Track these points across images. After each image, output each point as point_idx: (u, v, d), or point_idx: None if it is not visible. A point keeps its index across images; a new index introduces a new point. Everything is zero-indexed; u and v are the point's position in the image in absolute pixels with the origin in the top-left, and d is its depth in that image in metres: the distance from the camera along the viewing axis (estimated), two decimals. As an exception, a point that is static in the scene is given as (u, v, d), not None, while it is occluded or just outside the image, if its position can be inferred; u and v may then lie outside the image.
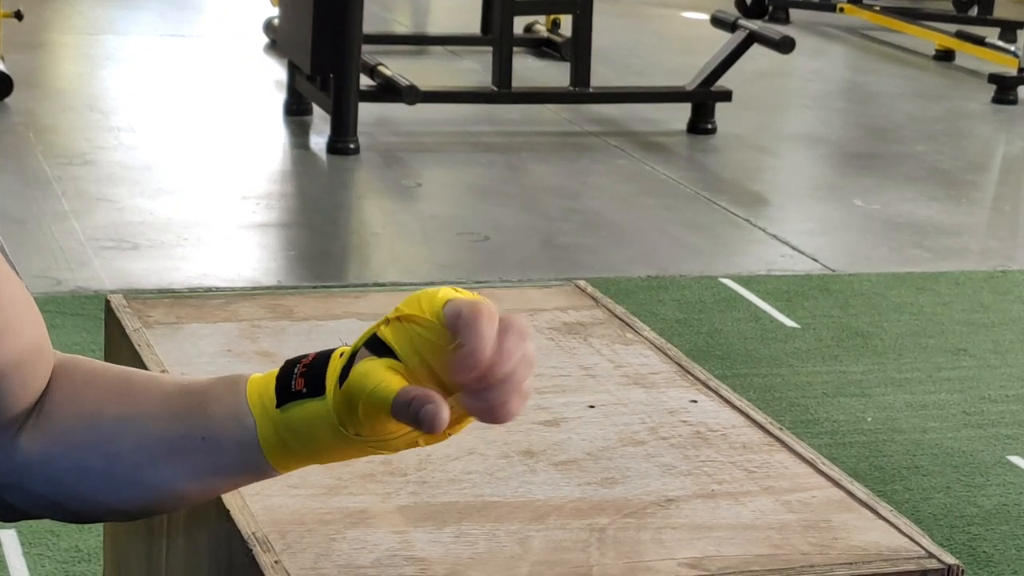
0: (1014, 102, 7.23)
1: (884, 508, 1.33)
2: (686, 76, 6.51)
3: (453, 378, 1.01)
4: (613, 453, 1.39)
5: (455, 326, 1.01)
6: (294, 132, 6.15)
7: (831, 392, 3.91)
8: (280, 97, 6.36)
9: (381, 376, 1.02)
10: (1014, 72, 7.32)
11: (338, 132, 5.78)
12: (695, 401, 1.52)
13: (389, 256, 4.85)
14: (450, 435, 1.05)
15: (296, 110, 6.27)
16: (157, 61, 7.08)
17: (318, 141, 5.97)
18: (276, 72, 6.82)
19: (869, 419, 3.77)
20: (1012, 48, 7.54)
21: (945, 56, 8.11)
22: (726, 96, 6.35)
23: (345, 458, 1.09)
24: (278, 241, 4.91)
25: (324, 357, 1.06)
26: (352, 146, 5.79)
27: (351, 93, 5.77)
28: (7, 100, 6.06)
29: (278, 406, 1.06)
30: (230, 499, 1.26)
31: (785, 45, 6.22)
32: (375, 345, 1.04)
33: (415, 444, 1.06)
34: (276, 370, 1.09)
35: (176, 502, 1.13)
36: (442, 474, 1.33)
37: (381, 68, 6.01)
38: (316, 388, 1.05)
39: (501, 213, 5.25)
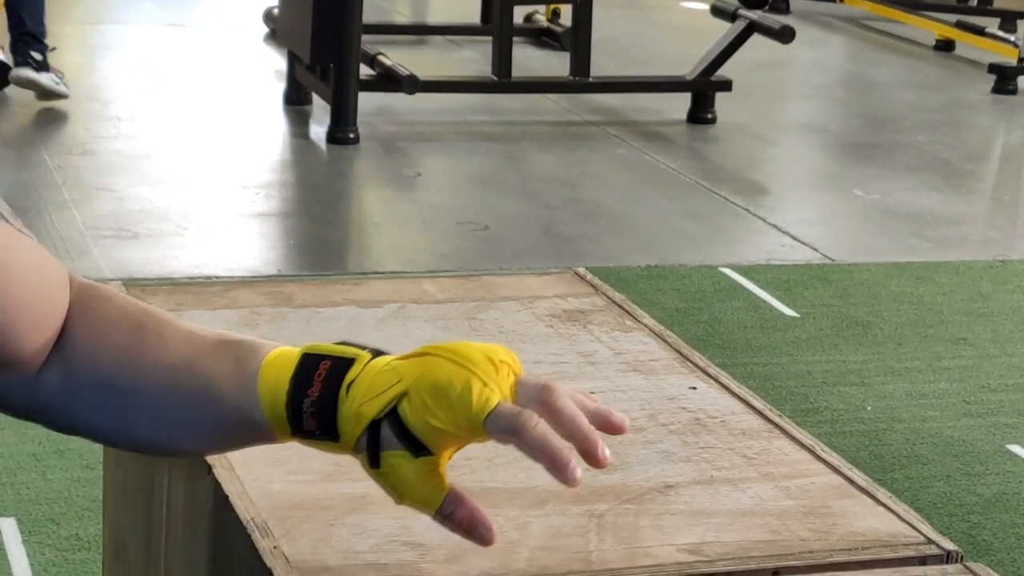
0: (1014, 92, 7.23)
1: (883, 494, 1.33)
2: (686, 66, 6.51)
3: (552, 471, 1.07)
4: (612, 439, 1.39)
5: (504, 440, 1.07)
6: (294, 122, 6.15)
7: (831, 381, 3.91)
8: (280, 87, 6.36)
9: (426, 488, 1.09)
10: (1014, 62, 7.32)
11: (338, 122, 5.78)
12: (694, 388, 1.52)
13: (389, 245, 4.85)
14: None
15: (296, 100, 6.26)
16: (157, 50, 7.08)
17: (318, 131, 5.97)
18: (276, 62, 6.82)
19: (869, 408, 3.77)
20: (1012, 38, 7.54)
21: (945, 46, 8.10)
22: (726, 86, 6.35)
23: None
24: (278, 230, 4.92)
25: (330, 395, 1.08)
26: (352, 136, 5.79)
27: (351, 83, 5.77)
28: (6, 90, 6.05)
29: (292, 435, 1.12)
30: (229, 485, 1.26)
31: (785, 35, 6.22)
32: (398, 425, 1.07)
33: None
34: (285, 377, 1.10)
35: (188, 454, 1.22)
36: (441, 460, 1.33)
37: (381, 58, 6.01)
38: (329, 433, 1.09)
39: (501, 202, 5.24)
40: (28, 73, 5.77)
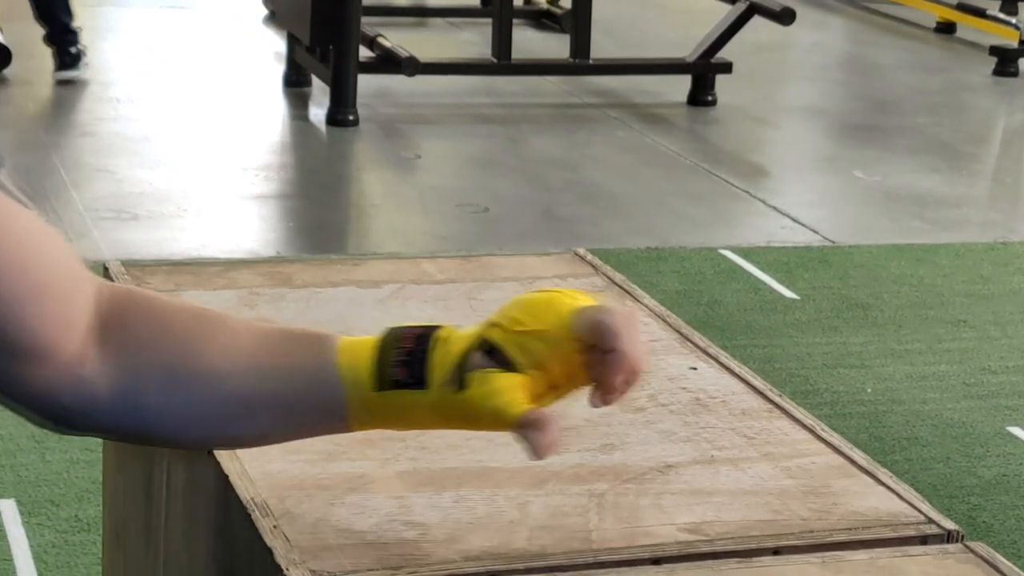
0: (1015, 74, 7.21)
1: (884, 474, 1.33)
2: (686, 48, 6.50)
3: (606, 379, 1.09)
4: (612, 420, 1.39)
5: (594, 336, 1.08)
6: (293, 104, 6.14)
7: (831, 363, 3.91)
8: (279, 69, 6.35)
9: (508, 396, 1.09)
10: (1015, 44, 7.30)
11: (337, 104, 5.77)
12: (695, 368, 1.52)
13: (388, 227, 4.84)
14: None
15: (295, 82, 6.25)
16: (156, 32, 7.06)
17: (317, 113, 5.96)
18: (275, 44, 6.80)
19: (869, 390, 3.77)
20: (1013, 20, 7.52)
21: (946, 28, 8.09)
22: (726, 68, 6.34)
23: (429, 428, 1.17)
24: (277, 212, 4.91)
25: (422, 345, 1.11)
26: (351, 118, 5.78)
27: (350, 65, 5.76)
28: (6, 71, 6.04)
29: (376, 390, 1.11)
30: (229, 465, 1.26)
31: (786, 17, 6.20)
32: (487, 349, 1.10)
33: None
34: (368, 345, 1.12)
35: (244, 446, 1.20)
36: (441, 440, 1.33)
37: (380, 40, 5.99)
38: (418, 381, 1.10)
39: (501, 185, 5.24)
40: (68, 74, 6.03)
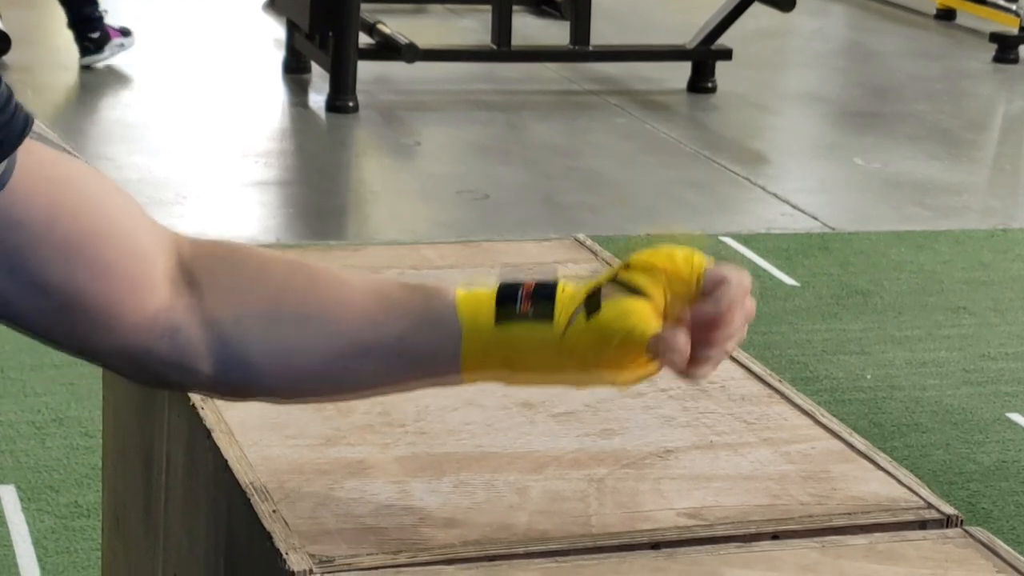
0: (1015, 61, 7.20)
1: (883, 459, 1.33)
2: (686, 34, 6.49)
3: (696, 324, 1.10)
4: (612, 404, 1.39)
5: (714, 287, 1.11)
6: (293, 90, 6.13)
7: (831, 350, 3.91)
8: (279, 55, 6.34)
9: (642, 315, 1.09)
10: (1015, 31, 7.29)
11: (337, 90, 5.77)
12: (694, 353, 1.51)
13: (388, 214, 4.84)
14: (642, 380, 1.13)
15: (295, 68, 6.25)
16: (156, 18, 7.05)
17: (317, 99, 5.95)
18: (275, 30, 6.80)
19: (868, 377, 3.77)
20: (1013, 7, 7.51)
21: (946, 15, 8.08)
22: (726, 55, 6.33)
23: (536, 381, 1.15)
24: (277, 199, 4.91)
25: (550, 286, 1.11)
26: (351, 104, 5.77)
27: (350, 51, 5.75)
28: (5, 58, 6.04)
29: (496, 321, 1.09)
30: (228, 450, 1.26)
31: (786, 3, 6.20)
32: (618, 283, 1.10)
33: (617, 384, 1.13)
34: (487, 289, 1.11)
35: (345, 396, 1.18)
36: (440, 425, 1.33)
37: (380, 26, 5.99)
38: (544, 313, 1.09)
39: (501, 171, 5.23)
40: (90, 60, 6.09)
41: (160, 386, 1.19)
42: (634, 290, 1.10)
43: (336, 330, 1.11)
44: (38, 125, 1.10)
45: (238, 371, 1.12)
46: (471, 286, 1.12)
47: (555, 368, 1.11)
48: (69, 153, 1.11)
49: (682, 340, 1.09)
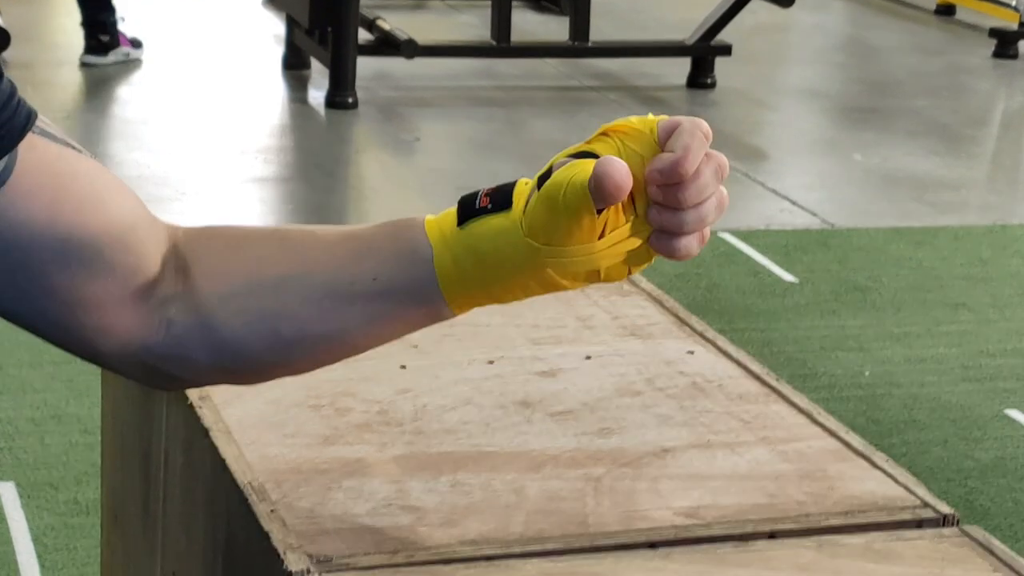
0: (1015, 57, 7.21)
1: (880, 458, 1.33)
2: (686, 30, 6.49)
3: (651, 181, 1.02)
4: (609, 403, 1.39)
5: (667, 135, 1.03)
6: (292, 86, 6.13)
7: (829, 346, 3.91)
8: (278, 51, 6.34)
9: (585, 167, 1.02)
10: (1015, 27, 7.30)
11: (336, 86, 5.77)
12: (692, 352, 1.52)
13: (388, 210, 4.84)
14: (632, 273, 1.07)
15: (294, 64, 6.25)
16: (155, 15, 7.06)
17: (316, 95, 5.96)
18: (274, 26, 6.80)
19: (867, 373, 3.77)
20: (1013, 3, 7.51)
21: (946, 10, 8.08)
22: (726, 50, 6.33)
23: (521, 291, 1.07)
24: (276, 195, 4.91)
25: (510, 183, 1.07)
26: (350, 100, 5.77)
27: (349, 47, 5.75)
28: (4, 54, 6.04)
29: (459, 224, 1.06)
30: (226, 448, 1.26)
31: (785, -1, 6.20)
32: (575, 157, 1.04)
33: (598, 265, 1.05)
34: (451, 210, 1.08)
35: (346, 351, 1.12)
36: (438, 424, 1.33)
37: (379, 22, 5.99)
38: (502, 203, 1.05)
39: (500, 167, 5.24)
40: (90, 59, 6.20)
41: (165, 384, 1.17)
42: (587, 156, 1.04)
43: (312, 284, 1.09)
44: (42, 120, 1.10)
45: (231, 352, 1.11)
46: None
47: (529, 263, 1.04)
48: (73, 148, 1.11)
49: (617, 163, 1.00)
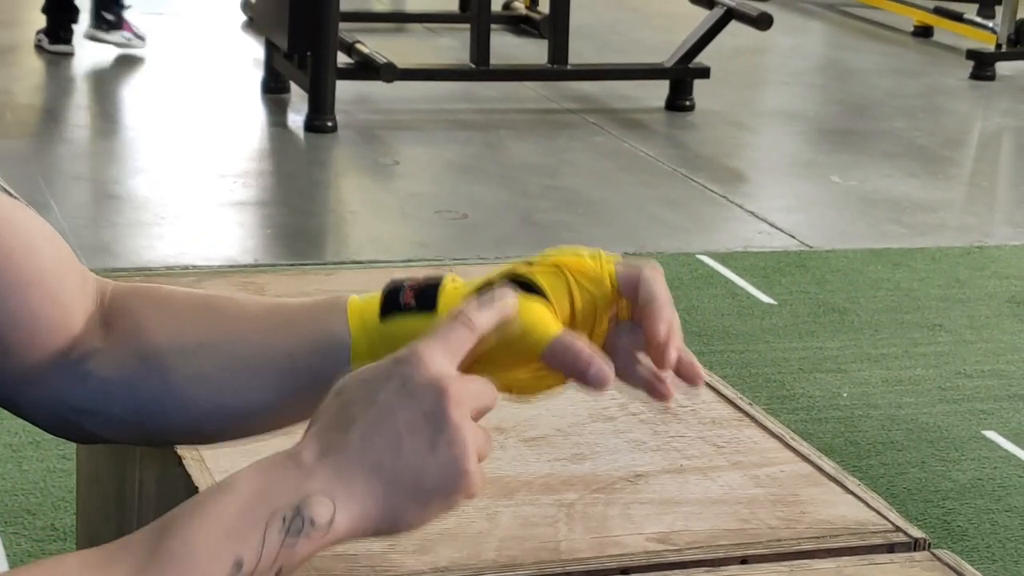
0: (992, 78, 7.24)
1: (852, 482, 1.34)
2: (664, 53, 6.51)
3: (650, 329, 1.01)
4: (583, 429, 1.40)
5: (630, 288, 1.02)
6: (271, 110, 6.14)
7: (807, 368, 3.92)
8: (257, 75, 6.35)
9: (539, 313, 0.99)
10: (992, 48, 7.33)
11: (316, 110, 5.77)
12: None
13: (367, 234, 4.85)
14: (540, 398, 1.05)
15: (273, 88, 6.25)
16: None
17: (295, 119, 5.96)
18: (253, 50, 6.80)
19: (845, 395, 3.78)
20: (990, 24, 7.55)
21: (923, 32, 8.12)
22: (704, 73, 6.36)
23: None
24: (255, 219, 4.91)
25: (437, 279, 1.05)
26: (330, 124, 5.78)
27: (328, 71, 5.76)
28: (-17, 78, 6.04)
29: (381, 318, 1.05)
30: (199, 476, 1.27)
31: (763, 21, 6.22)
32: (516, 282, 1.02)
33: (513, 387, 1.03)
34: (376, 295, 1.07)
35: (256, 426, 1.11)
36: (412, 450, 1.33)
37: (359, 46, 6.00)
38: (426, 305, 1.04)
39: (479, 191, 5.24)
40: (97, 33, 6.52)
41: (81, 439, 1.15)
42: (534, 289, 1.01)
43: (230, 353, 1.09)
44: None
45: (147, 412, 1.10)
46: (365, 293, 1.09)
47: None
48: (10, 195, 1.10)
49: (583, 349, 0.98)
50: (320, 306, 1.09)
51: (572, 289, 1.02)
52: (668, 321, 1.02)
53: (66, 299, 1.10)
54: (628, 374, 1.05)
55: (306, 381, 1.08)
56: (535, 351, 0.99)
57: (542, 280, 1.02)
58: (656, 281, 1.03)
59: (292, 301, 1.12)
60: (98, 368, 1.10)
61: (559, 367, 0.99)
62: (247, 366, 1.09)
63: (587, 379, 0.99)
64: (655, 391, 1.06)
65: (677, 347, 1.03)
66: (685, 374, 1.05)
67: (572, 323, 1.02)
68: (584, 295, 1.02)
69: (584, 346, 0.99)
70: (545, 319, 1.00)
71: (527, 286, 1.02)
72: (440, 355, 0.94)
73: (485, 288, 1.02)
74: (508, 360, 1.01)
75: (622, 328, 1.05)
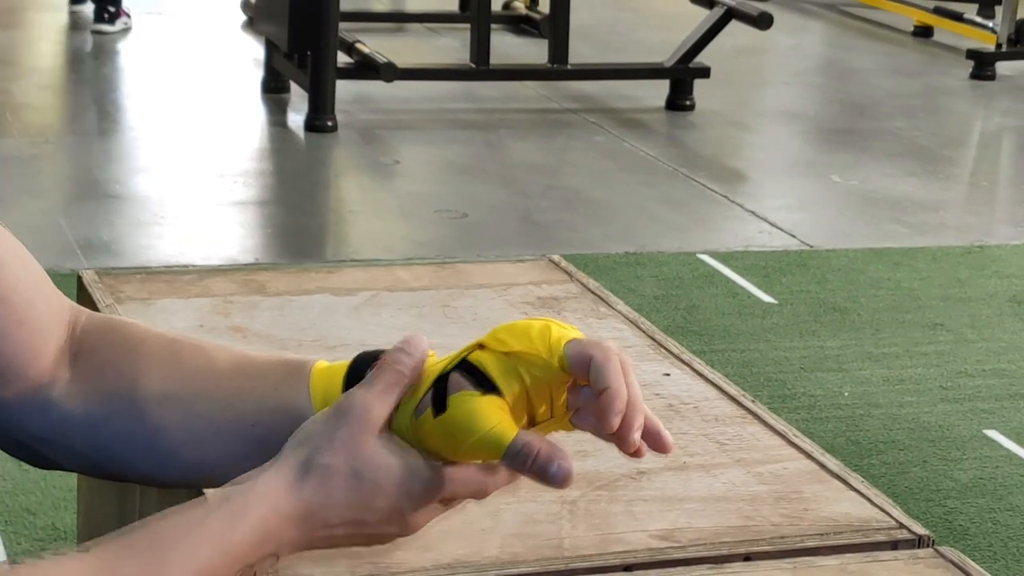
0: (992, 78, 7.24)
1: (855, 479, 1.33)
2: (664, 53, 6.51)
3: (602, 418, 0.99)
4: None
5: (580, 367, 1.00)
6: (272, 110, 6.13)
7: (808, 367, 3.91)
8: (258, 75, 6.34)
9: (494, 418, 1.00)
10: (992, 48, 7.33)
11: (316, 110, 5.77)
12: (668, 374, 1.52)
13: (367, 233, 4.84)
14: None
15: (274, 88, 6.25)
16: (135, 39, 7.05)
17: (296, 119, 5.96)
18: (254, 50, 6.80)
19: (846, 394, 3.78)
20: (990, 24, 7.55)
21: (923, 32, 8.11)
22: (704, 73, 6.35)
23: None
24: (255, 219, 4.91)
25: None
26: (330, 124, 5.77)
27: (329, 70, 5.76)
28: (-18, 78, 6.04)
29: (344, 392, 1.05)
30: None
31: (763, 21, 6.22)
32: (468, 370, 1.02)
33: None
34: (343, 365, 1.07)
35: (215, 479, 1.10)
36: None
37: (359, 45, 5.99)
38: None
39: (479, 190, 5.24)
40: (102, 27, 6.94)
41: (40, 464, 1.14)
42: (484, 381, 1.01)
43: (194, 411, 1.09)
44: None
45: (106, 450, 1.10)
46: (333, 361, 1.09)
47: (412, 445, 1.03)
48: None
49: (542, 448, 0.99)
50: (286, 369, 1.09)
51: (522, 373, 1.01)
52: (620, 412, 0.99)
53: (34, 322, 1.09)
54: (597, 431, 1.03)
55: (264, 446, 1.07)
56: (495, 457, 1.00)
57: (492, 370, 1.02)
58: (607, 367, 1.00)
59: (259, 356, 1.11)
60: (61, 400, 1.09)
61: (520, 470, 1.00)
62: (209, 425, 1.09)
63: (549, 479, 0.99)
64: (627, 450, 1.03)
65: (638, 427, 1.00)
66: (653, 445, 1.02)
67: (528, 402, 1.02)
68: (534, 379, 1.02)
69: (542, 445, 0.99)
70: (502, 423, 1.00)
71: (479, 374, 1.01)
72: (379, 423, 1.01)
73: (439, 381, 1.02)
74: (473, 455, 1.02)
75: (585, 390, 1.03)
